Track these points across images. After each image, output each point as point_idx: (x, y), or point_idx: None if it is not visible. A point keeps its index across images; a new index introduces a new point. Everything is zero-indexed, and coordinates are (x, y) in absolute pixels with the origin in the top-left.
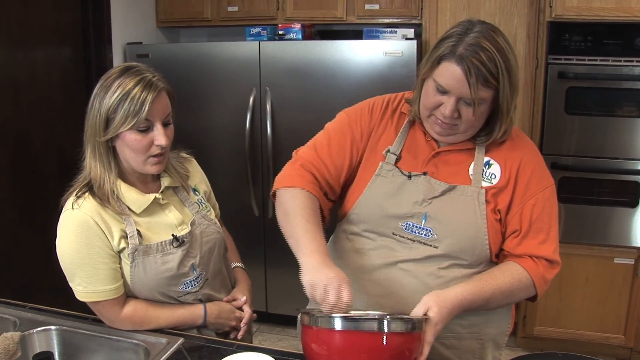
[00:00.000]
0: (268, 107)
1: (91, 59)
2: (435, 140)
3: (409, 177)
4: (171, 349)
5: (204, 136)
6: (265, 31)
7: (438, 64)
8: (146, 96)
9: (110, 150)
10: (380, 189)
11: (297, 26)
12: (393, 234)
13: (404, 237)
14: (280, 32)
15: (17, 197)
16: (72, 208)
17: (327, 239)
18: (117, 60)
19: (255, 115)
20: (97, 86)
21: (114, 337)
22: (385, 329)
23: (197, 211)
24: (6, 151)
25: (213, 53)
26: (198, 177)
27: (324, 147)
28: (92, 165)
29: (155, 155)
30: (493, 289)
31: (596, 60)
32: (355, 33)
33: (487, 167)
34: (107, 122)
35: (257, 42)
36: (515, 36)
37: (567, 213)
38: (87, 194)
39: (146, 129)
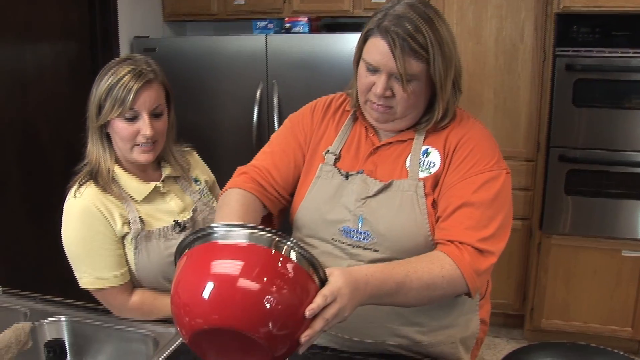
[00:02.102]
0: (275, 101)
1: (98, 54)
2: (377, 134)
3: (347, 177)
4: (180, 339)
5: (211, 130)
6: (271, 25)
7: (365, 42)
8: (132, 85)
9: (104, 136)
10: (320, 191)
11: (304, 19)
12: (333, 239)
13: (343, 243)
14: (287, 26)
15: (25, 191)
16: (74, 196)
17: None
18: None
19: (263, 109)
20: (99, 73)
21: (123, 327)
22: (273, 248)
23: (199, 199)
24: (14, 146)
25: (220, 47)
26: (199, 169)
27: (267, 156)
28: (92, 149)
29: (142, 144)
30: (407, 271)
31: (604, 52)
32: (361, 26)
33: (425, 155)
34: (100, 108)
35: (264, 35)
36: (522, 29)
37: (575, 206)
38: (89, 182)
39: (133, 118)
